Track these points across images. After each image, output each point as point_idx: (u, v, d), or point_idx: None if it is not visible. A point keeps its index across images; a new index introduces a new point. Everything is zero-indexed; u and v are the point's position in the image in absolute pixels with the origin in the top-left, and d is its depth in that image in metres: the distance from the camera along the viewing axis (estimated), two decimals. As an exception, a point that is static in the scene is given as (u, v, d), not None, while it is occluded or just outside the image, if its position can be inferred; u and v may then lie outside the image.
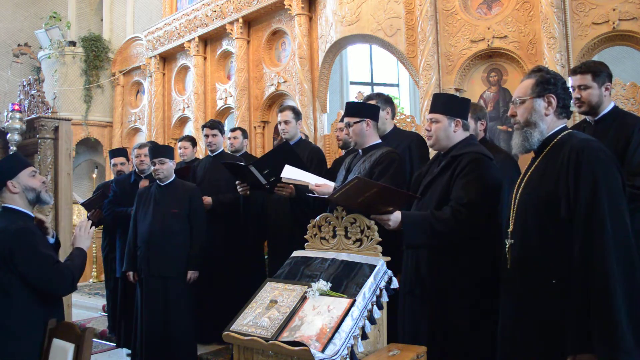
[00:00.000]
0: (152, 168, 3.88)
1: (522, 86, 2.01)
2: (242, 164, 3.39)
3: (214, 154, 4.51)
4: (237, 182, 3.65)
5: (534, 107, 1.95)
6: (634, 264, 1.65)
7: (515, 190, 2.02)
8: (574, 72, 2.67)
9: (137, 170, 4.65)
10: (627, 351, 1.57)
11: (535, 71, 2.00)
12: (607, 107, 2.62)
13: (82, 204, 4.94)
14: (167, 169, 3.86)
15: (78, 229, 2.53)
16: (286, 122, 3.87)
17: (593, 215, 1.69)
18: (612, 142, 2.45)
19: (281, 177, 2.93)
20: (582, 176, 1.74)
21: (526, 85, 1.98)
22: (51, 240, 2.54)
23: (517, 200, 1.98)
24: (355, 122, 2.79)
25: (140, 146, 4.66)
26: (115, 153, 5.25)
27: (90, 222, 2.61)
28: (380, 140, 2.88)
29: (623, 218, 1.69)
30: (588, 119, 2.70)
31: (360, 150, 2.89)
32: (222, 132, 4.57)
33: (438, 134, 2.45)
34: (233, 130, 4.85)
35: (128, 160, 5.20)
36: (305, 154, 3.74)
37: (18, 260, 2.19)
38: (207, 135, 4.48)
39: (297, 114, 3.95)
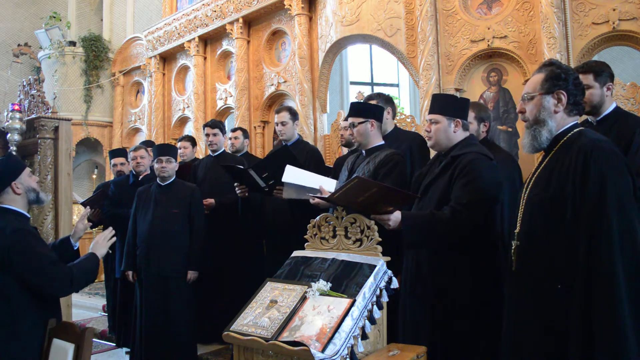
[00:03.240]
0: (157, 165, 3.87)
1: (531, 81, 1.93)
2: (241, 167, 3.39)
3: (216, 154, 4.51)
4: (235, 185, 3.65)
5: (543, 103, 1.87)
6: None
7: (523, 189, 1.96)
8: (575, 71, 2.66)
9: (134, 172, 4.64)
10: None
11: (546, 65, 1.92)
12: (609, 108, 2.61)
13: (82, 204, 4.94)
14: (172, 168, 3.89)
15: (100, 236, 2.59)
16: (283, 124, 3.87)
17: (599, 217, 1.62)
18: (613, 143, 2.45)
19: (282, 181, 2.93)
20: (589, 177, 1.66)
21: (535, 80, 1.91)
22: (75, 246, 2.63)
23: (524, 201, 1.91)
24: (359, 123, 2.79)
25: (136, 149, 4.65)
26: (115, 153, 5.24)
27: (112, 232, 2.65)
28: (383, 142, 2.89)
29: (631, 221, 1.62)
30: (590, 119, 2.69)
31: (363, 151, 2.89)
32: (223, 131, 4.57)
33: (438, 135, 2.45)
34: (234, 130, 4.85)
35: (128, 160, 5.20)
36: (303, 155, 3.74)
37: (15, 261, 2.19)
38: (207, 135, 4.49)
39: (294, 115, 3.95)
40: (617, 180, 1.65)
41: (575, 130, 1.86)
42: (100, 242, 2.57)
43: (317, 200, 2.67)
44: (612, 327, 1.54)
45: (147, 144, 5.27)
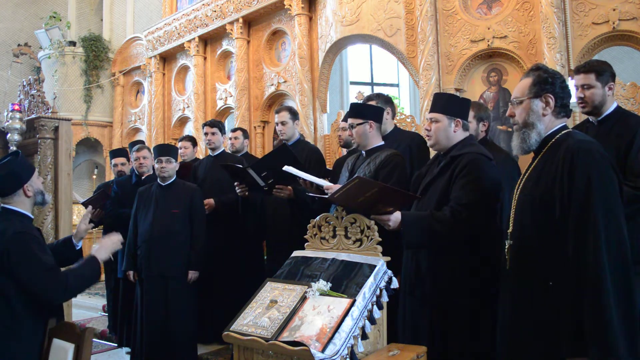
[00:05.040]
0: (157, 165, 3.87)
1: (520, 86, 1.99)
2: (240, 166, 3.39)
3: (215, 153, 4.51)
4: (235, 184, 3.65)
5: (532, 107, 1.92)
6: (627, 267, 1.64)
7: (515, 190, 2.01)
8: (577, 71, 2.65)
9: (137, 172, 4.64)
10: (619, 356, 1.55)
11: (533, 70, 1.98)
12: (610, 107, 2.60)
13: (83, 204, 4.93)
14: (172, 168, 3.89)
15: (107, 239, 2.50)
16: (283, 123, 3.88)
17: (586, 216, 1.67)
18: (614, 143, 2.44)
19: (283, 172, 2.91)
20: (576, 177, 1.72)
21: (524, 85, 1.96)
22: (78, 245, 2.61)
23: (516, 201, 1.97)
24: (358, 124, 2.79)
25: (139, 149, 4.64)
26: (116, 153, 5.24)
27: (121, 239, 2.56)
28: (383, 142, 2.88)
29: (617, 220, 1.67)
30: (591, 119, 2.69)
31: (363, 152, 2.89)
32: (222, 131, 4.57)
33: (438, 134, 2.45)
34: (234, 130, 4.86)
35: (128, 160, 5.19)
36: (304, 155, 3.74)
37: (13, 264, 2.17)
38: (206, 134, 4.50)
39: (294, 114, 3.94)
40: (603, 180, 1.70)
41: (563, 132, 1.91)
42: (107, 245, 2.49)
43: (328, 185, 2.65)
44: (602, 323, 1.58)
45: (138, 143, 5.25)
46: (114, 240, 2.53)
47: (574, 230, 1.69)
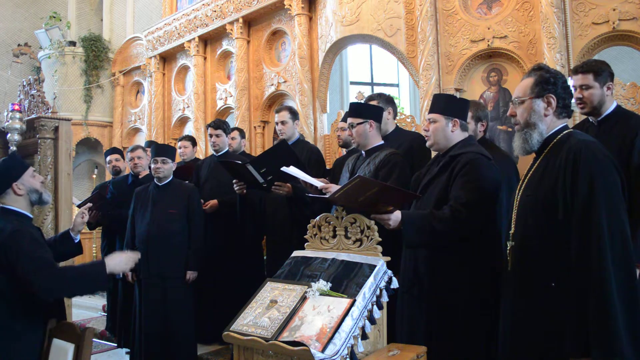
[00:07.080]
0: (153, 166, 3.87)
1: (521, 86, 1.99)
2: (239, 162, 3.38)
3: (219, 154, 4.46)
4: (234, 181, 3.64)
5: (533, 107, 1.93)
6: (631, 267, 1.63)
7: (517, 191, 2.01)
8: (575, 71, 2.65)
9: (132, 172, 4.64)
10: (623, 356, 1.55)
11: (535, 70, 1.98)
12: (610, 107, 2.59)
13: (79, 206, 4.93)
14: (168, 168, 3.87)
15: (126, 254, 2.45)
16: (283, 123, 3.87)
17: (589, 216, 1.67)
18: (616, 144, 2.44)
19: (282, 171, 2.91)
20: (579, 177, 1.72)
21: (525, 84, 1.96)
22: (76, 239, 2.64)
23: (518, 202, 1.96)
24: (358, 124, 2.80)
25: (133, 149, 4.64)
26: (110, 151, 5.32)
27: (138, 257, 2.51)
28: (383, 142, 2.89)
29: (620, 219, 1.67)
30: (591, 119, 2.68)
31: (363, 152, 2.89)
32: (226, 132, 4.49)
33: (436, 134, 2.46)
34: (231, 130, 4.84)
35: (123, 157, 5.23)
36: (304, 154, 3.74)
37: (11, 261, 2.17)
38: (211, 136, 4.45)
39: (294, 114, 3.94)
40: (606, 181, 1.70)
41: (564, 132, 1.91)
42: (123, 259, 2.42)
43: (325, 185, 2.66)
44: (606, 324, 1.58)
45: (150, 144, 5.28)
46: (133, 257, 2.46)
47: (577, 231, 1.69)
